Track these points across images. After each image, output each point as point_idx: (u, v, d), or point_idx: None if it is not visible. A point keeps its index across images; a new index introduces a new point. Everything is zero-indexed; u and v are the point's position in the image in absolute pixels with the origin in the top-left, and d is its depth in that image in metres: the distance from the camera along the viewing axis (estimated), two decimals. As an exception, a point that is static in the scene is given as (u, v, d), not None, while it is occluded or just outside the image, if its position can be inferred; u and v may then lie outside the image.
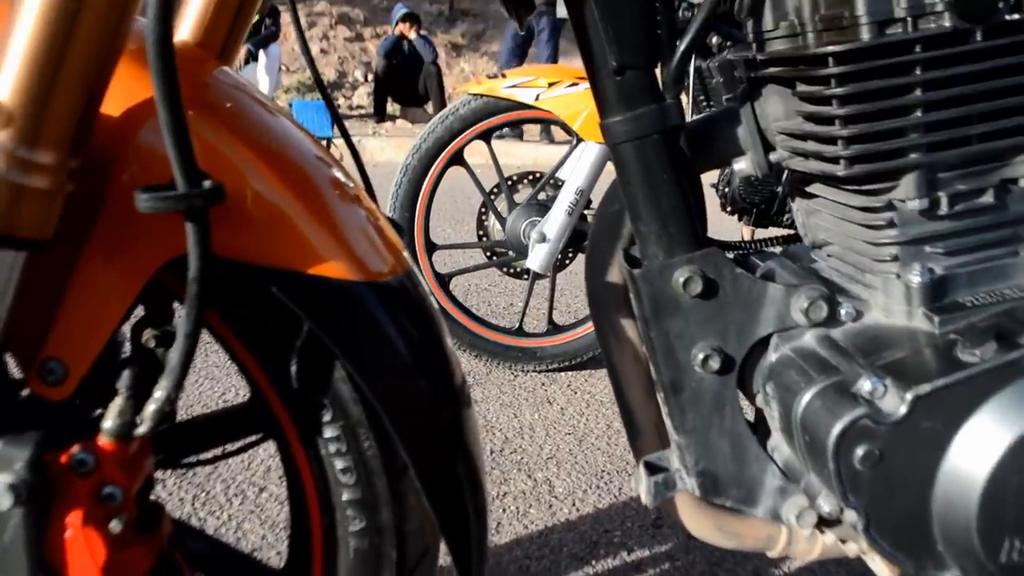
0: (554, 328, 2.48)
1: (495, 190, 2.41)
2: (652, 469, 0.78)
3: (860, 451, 0.60)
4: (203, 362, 2.38)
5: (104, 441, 0.65)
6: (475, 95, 2.28)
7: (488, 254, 2.50)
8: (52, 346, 0.64)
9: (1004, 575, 0.62)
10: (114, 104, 0.63)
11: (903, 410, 0.59)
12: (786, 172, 0.80)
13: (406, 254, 0.76)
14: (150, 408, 0.65)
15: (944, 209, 0.66)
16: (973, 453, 0.60)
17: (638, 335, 0.83)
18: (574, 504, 1.72)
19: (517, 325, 2.46)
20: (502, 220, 2.36)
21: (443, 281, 2.43)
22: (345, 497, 0.75)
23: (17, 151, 0.55)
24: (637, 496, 1.74)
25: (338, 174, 0.76)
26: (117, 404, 0.65)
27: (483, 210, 2.46)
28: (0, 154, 0.55)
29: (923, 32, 0.61)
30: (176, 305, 0.69)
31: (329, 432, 0.72)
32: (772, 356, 0.71)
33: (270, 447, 1.91)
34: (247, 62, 8.13)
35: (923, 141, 0.64)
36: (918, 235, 0.67)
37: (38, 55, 0.54)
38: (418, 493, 0.76)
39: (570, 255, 2.44)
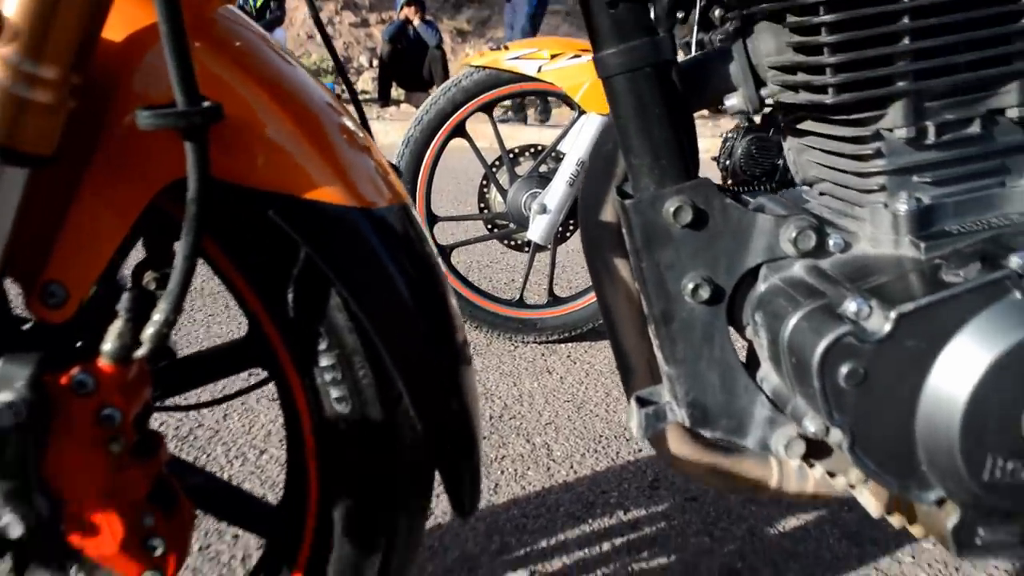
0: (554, 300, 2.49)
1: (497, 163, 2.42)
2: (643, 403, 0.79)
3: (844, 369, 0.61)
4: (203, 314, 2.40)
5: (103, 363, 0.66)
6: (477, 67, 2.29)
7: (489, 226, 2.51)
8: (53, 269, 0.66)
9: (987, 494, 0.63)
10: (118, 27, 0.64)
11: (887, 328, 0.60)
12: (784, 133, 0.81)
13: (404, 190, 0.77)
14: (149, 331, 0.66)
15: (931, 138, 0.67)
16: (956, 373, 0.61)
17: (631, 275, 0.84)
18: (572, 467, 1.74)
19: (518, 297, 2.48)
20: (503, 192, 2.37)
21: (444, 253, 2.44)
22: (341, 426, 0.76)
23: (22, 65, 0.56)
24: (635, 460, 1.76)
25: (341, 114, 0.77)
26: (116, 326, 0.66)
27: (484, 183, 2.47)
28: (5, 67, 0.56)
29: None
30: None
31: (325, 360, 0.74)
32: (761, 286, 0.72)
33: (271, 412, 1.92)
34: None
35: (910, 68, 0.65)
36: (906, 164, 0.68)
37: None
38: (412, 424, 0.77)
39: (571, 227, 2.45)
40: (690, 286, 0.71)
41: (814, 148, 0.76)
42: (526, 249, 2.49)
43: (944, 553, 1.42)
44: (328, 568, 0.81)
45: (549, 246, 2.37)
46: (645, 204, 0.70)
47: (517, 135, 6.95)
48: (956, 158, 0.68)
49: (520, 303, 2.47)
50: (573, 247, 3.56)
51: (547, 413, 2.01)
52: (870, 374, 0.61)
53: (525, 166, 2.41)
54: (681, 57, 0.76)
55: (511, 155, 2.42)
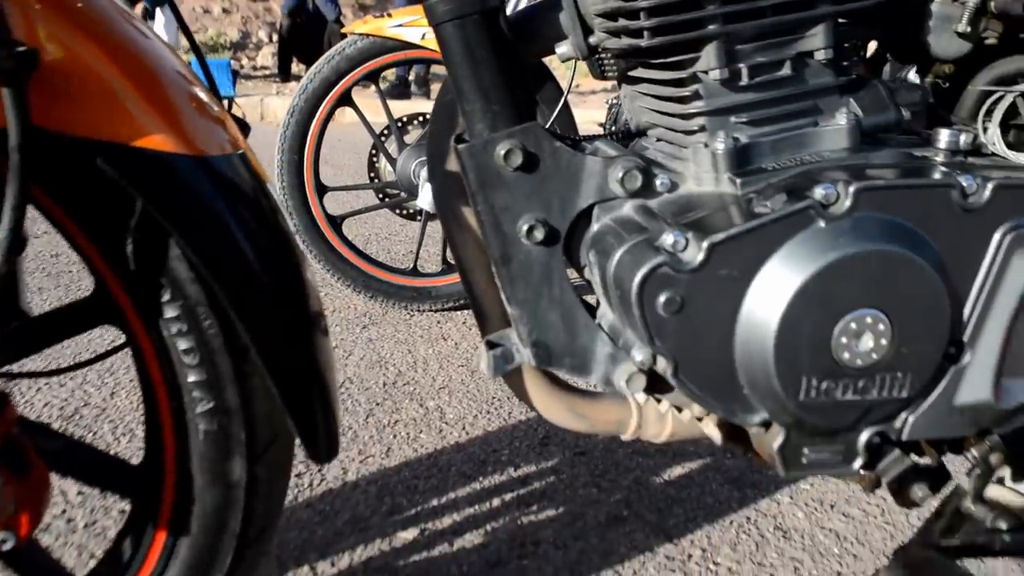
0: (448, 268, 2.50)
1: (385, 132, 2.41)
2: (492, 345, 0.81)
3: (662, 298, 0.64)
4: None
5: None
6: (361, 35, 2.26)
7: (380, 195, 2.50)
8: None
9: (806, 413, 0.67)
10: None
11: (700, 258, 0.63)
12: (618, 81, 0.83)
13: (244, 142, 0.77)
14: None
15: (745, 80, 0.70)
16: (767, 298, 0.64)
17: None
18: (464, 429, 1.76)
19: (411, 266, 2.48)
20: (392, 161, 2.36)
21: (335, 223, 2.42)
22: (191, 378, 0.76)
23: None
24: (526, 419, 1.79)
25: (181, 68, 0.76)
26: None
27: (374, 152, 2.45)
28: None
29: None
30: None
31: (169, 312, 0.73)
32: (594, 226, 0.74)
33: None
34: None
35: (719, 12, 0.68)
36: (722, 105, 0.71)
37: None
38: (263, 374, 0.77)
39: (464, 195, 2.45)
40: (525, 227, 0.72)
41: (643, 94, 0.79)
42: (418, 218, 2.49)
43: (819, 491, 1.49)
44: (191, 522, 0.81)
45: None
46: (477, 148, 0.71)
47: (403, 107, 6.91)
48: (770, 99, 0.71)
49: (414, 272, 2.47)
50: (474, 217, 3.57)
51: (441, 378, 2.03)
52: (687, 302, 0.64)
53: (414, 135, 2.40)
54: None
55: (399, 124, 2.41)
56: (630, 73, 0.79)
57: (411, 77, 7.28)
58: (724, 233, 0.63)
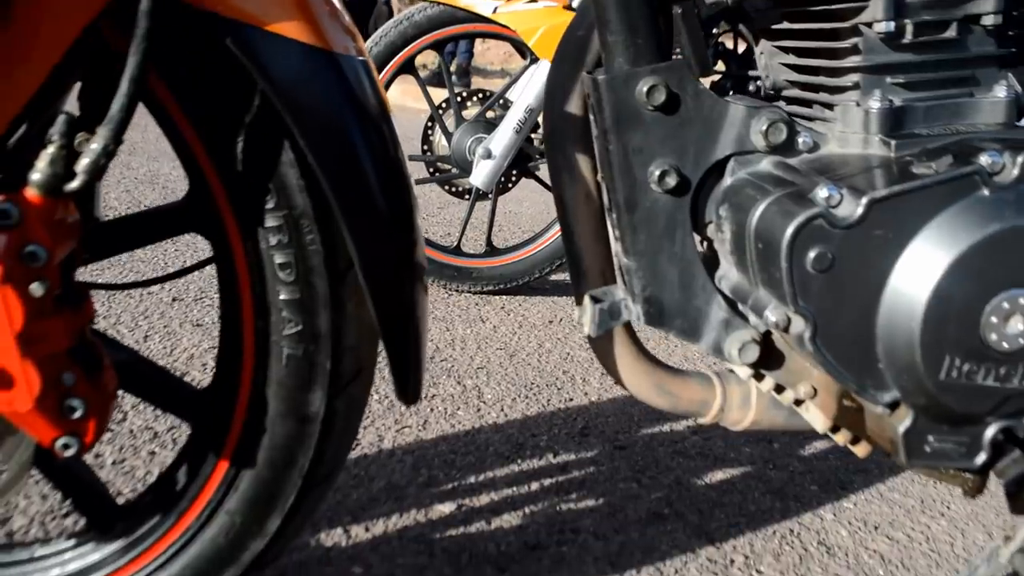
0: (492, 250, 2.47)
1: (443, 105, 2.38)
2: (596, 300, 0.77)
3: (813, 253, 0.60)
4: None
5: (31, 193, 0.61)
6: (433, 2, 2.23)
7: (431, 169, 2.47)
8: None
9: (941, 394, 0.63)
10: None
11: (858, 213, 0.59)
12: (756, 37, 0.79)
13: (368, 53, 0.73)
14: (84, 161, 0.61)
15: (908, 38, 0.66)
16: (921, 266, 0.60)
17: (591, 172, 0.82)
18: (502, 410, 1.72)
19: (455, 244, 2.44)
20: (448, 136, 2.33)
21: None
22: (282, 296, 0.72)
23: None
24: (565, 408, 1.75)
25: None
26: (48, 154, 0.61)
27: (429, 124, 2.41)
28: None
29: None
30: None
31: (271, 221, 0.70)
32: (728, 179, 0.70)
33: (195, 336, 1.86)
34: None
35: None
36: (881, 62, 0.67)
37: None
38: (358, 303, 0.73)
39: (514, 177, 2.42)
40: (657, 173, 0.69)
41: (786, 50, 0.75)
42: (466, 197, 2.45)
43: (863, 511, 1.44)
44: (258, 454, 0.77)
45: (491, 194, 2.34)
46: (618, 81, 0.68)
47: (442, 94, 6.91)
48: (930, 61, 0.68)
49: (457, 251, 2.44)
50: (512, 208, 3.56)
51: (479, 358, 1.99)
52: (838, 260, 0.60)
53: (472, 110, 2.37)
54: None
55: (459, 98, 2.37)
56: (774, 26, 0.75)
57: (452, 67, 7.27)
58: (886, 190, 0.59)
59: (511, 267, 2.41)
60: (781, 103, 0.79)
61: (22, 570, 0.83)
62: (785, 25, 0.73)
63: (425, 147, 2.42)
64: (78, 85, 0.71)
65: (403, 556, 1.19)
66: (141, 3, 0.57)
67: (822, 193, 0.60)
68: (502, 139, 2.19)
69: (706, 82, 0.91)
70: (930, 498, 1.52)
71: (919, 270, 0.60)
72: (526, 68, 2.25)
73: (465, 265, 2.40)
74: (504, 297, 2.44)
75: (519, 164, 2.30)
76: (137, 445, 1.38)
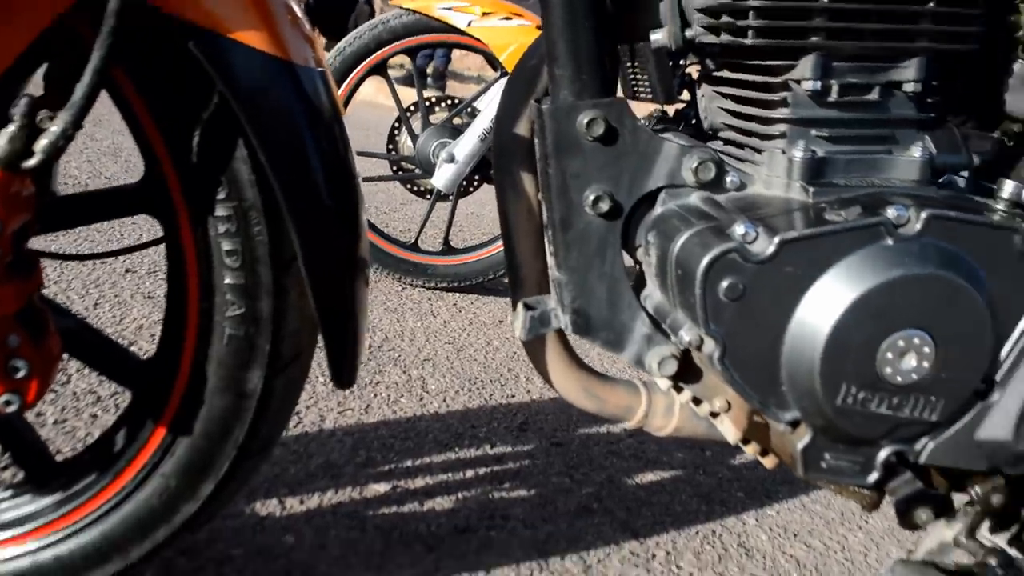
0: (448, 249, 2.52)
1: (412, 107, 2.42)
2: (529, 307, 0.82)
3: (726, 283, 0.65)
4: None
5: None
6: (408, 10, 2.28)
7: (395, 167, 2.51)
8: None
9: (838, 417, 0.69)
10: None
11: (770, 250, 0.65)
12: (698, 82, 0.85)
13: (326, 63, 0.77)
14: (43, 141, 0.64)
15: (834, 96, 0.72)
16: (825, 302, 0.66)
17: (534, 190, 0.87)
18: (444, 401, 1.77)
19: (413, 240, 2.48)
20: (414, 137, 2.38)
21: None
22: (227, 281, 0.76)
23: None
24: (507, 403, 1.80)
25: None
26: (8, 131, 0.64)
27: (396, 125, 2.47)
28: None
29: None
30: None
31: (221, 211, 0.73)
32: (658, 209, 0.75)
33: (145, 308, 1.87)
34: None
35: (824, 26, 0.69)
36: (807, 117, 0.72)
37: None
38: (300, 292, 0.77)
39: (475, 182, 2.47)
40: (591, 197, 0.74)
41: (724, 95, 0.80)
42: (428, 196, 2.50)
43: (784, 519, 1.51)
44: (195, 424, 0.81)
45: (451, 196, 2.38)
46: (562, 112, 0.72)
47: (413, 96, 6.91)
48: (853, 119, 0.73)
49: (415, 247, 2.48)
50: (474, 210, 3.60)
51: (426, 350, 2.03)
52: (748, 291, 0.66)
53: (439, 116, 2.43)
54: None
55: (427, 103, 2.42)
56: (715, 73, 0.80)
57: (429, 70, 7.27)
58: (797, 232, 0.65)
59: (466, 267, 2.47)
60: (718, 142, 0.84)
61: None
62: (724, 73, 0.78)
63: (390, 146, 2.48)
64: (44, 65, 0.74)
65: (335, 529, 1.24)
66: (109, 2, 0.60)
67: (739, 229, 0.66)
68: (466, 145, 2.24)
69: (671, 109, 0.96)
70: (850, 511, 1.60)
71: (823, 306, 0.66)
72: (496, 80, 2.30)
73: (421, 261, 2.46)
74: (457, 295, 2.49)
75: (481, 170, 2.35)
76: (79, 407, 1.40)
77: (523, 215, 0.87)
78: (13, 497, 0.87)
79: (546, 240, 0.82)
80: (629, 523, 1.40)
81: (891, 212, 0.66)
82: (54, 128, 0.63)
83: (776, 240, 0.64)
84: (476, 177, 2.42)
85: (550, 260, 0.80)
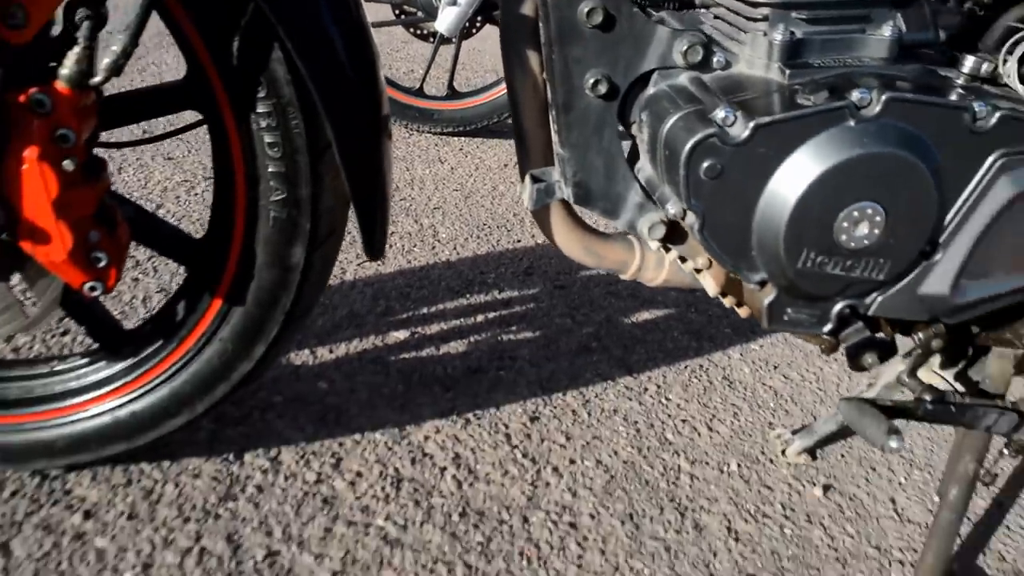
0: (453, 93, 2.55)
1: (412, -51, 2.40)
2: (535, 179, 0.91)
3: (706, 163, 0.74)
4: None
5: (61, 86, 0.72)
6: None
7: (397, 11, 2.51)
8: None
9: (799, 279, 0.79)
10: None
11: (745, 134, 0.73)
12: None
13: None
14: (105, 60, 0.72)
15: (812, -18, 0.78)
16: (791, 179, 0.75)
17: (539, 67, 0.94)
18: (455, 248, 1.88)
19: (418, 86, 2.52)
20: (416, -20, 2.37)
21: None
22: (270, 169, 0.85)
23: None
24: (513, 248, 1.91)
25: None
26: (75, 53, 0.72)
27: (397, -33, 2.44)
28: None
29: None
30: None
31: (261, 108, 0.82)
32: (651, 90, 0.83)
33: (167, 169, 1.96)
34: None
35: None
36: (787, 1, 0.79)
37: None
38: (334, 175, 0.87)
39: (478, 23, 2.47)
40: (591, 80, 0.81)
41: (715, -25, 0.86)
42: (431, 40, 2.51)
43: (767, 352, 1.66)
44: (248, 295, 0.92)
45: (454, 39, 2.40)
46: (563, 1, 0.79)
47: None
48: (829, 2, 0.80)
49: (420, 92, 2.52)
50: (476, 45, 3.58)
51: (436, 198, 2.13)
52: (726, 171, 0.75)
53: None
54: None
55: (428, -56, 2.39)
56: (706, -47, 0.86)
57: None
58: (769, 117, 0.73)
59: (471, 110, 2.51)
60: (709, 14, 0.90)
61: (45, 381, 0.99)
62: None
63: (393, -13, 2.46)
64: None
65: (362, 375, 1.38)
66: None
67: (720, 114, 0.74)
68: (469, -12, 2.24)
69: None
70: (825, 345, 1.74)
71: (791, 181, 0.75)
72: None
73: (427, 107, 2.50)
74: (463, 139, 2.55)
75: (484, 12, 2.35)
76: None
77: (529, 91, 0.95)
78: (90, 364, 1.00)
79: (550, 118, 0.90)
80: (624, 360, 1.55)
81: (855, 95, 0.74)
82: (114, 47, 0.71)
83: (751, 124, 0.73)
84: (479, 19, 2.43)
85: (554, 137, 0.88)
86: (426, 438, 1.25)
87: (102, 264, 0.80)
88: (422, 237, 1.90)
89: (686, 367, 1.56)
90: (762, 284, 0.83)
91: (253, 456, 1.15)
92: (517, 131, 0.98)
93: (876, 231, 0.77)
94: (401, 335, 1.51)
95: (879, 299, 0.83)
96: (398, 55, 3.29)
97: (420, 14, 2.42)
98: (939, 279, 0.82)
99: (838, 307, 0.84)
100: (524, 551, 1.06)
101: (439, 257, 1.83)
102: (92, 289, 0.81)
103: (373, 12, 3.08)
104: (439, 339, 1.52)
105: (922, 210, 0.77)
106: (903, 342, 0.90)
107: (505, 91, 2.52)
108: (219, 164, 0.89)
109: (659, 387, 1.48)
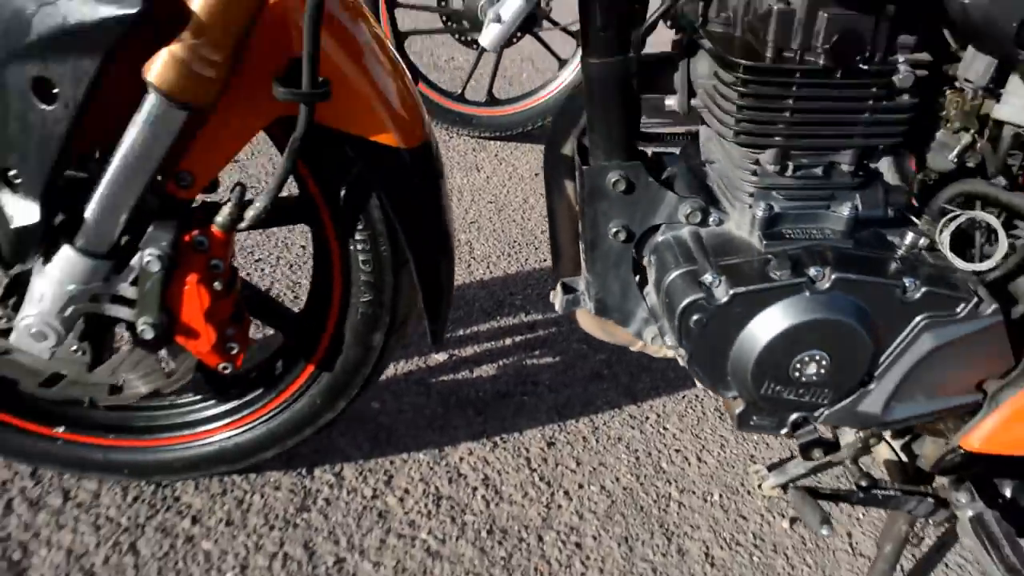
0: (492, 100, 2.76)
1: (461, -38, 2.58)
2: (567, 289, 1.16)
3: (694, 317, 0.98)
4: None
5: (216, 230, 0.97)
6: None
7: (444, 20, 2.70)
8: (185, 162, 0.94)
9: (761, 400, 1.04)
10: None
11: (725, 299, 0.97)
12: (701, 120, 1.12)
13: (431, 130, 1.07)
14: (250, 213, 0.96)
15: (789, 172, 1.00)
16: (760, 331, 0.99)
17: (574, 195, 1.17)
18: (488, 267, 2.12)
19: (460, 91, 2.73)
20: (464, -7, 2.56)
21: (400, 38, 2.64)
22: (362, 278, 1.10)
23: (200, 50, 0.82)
24: (539, 268, 2.15)
25: (407, 81, 1.04)
26: (228, 208, 0.96)
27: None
28: (188, 50, 0.81)
29: (804, 65, 0.92)
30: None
31: (359, 236, 1.06)
32: (659, 237, 1.06)
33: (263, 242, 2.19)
34: None
35: (785, 132, 0.97)
36: (769, 184, 1.01)
37: None
38: (409, 283, 1.12)
39: (517, 36, 2.66)
40: (613, 230, 1.05)
41: (716, 146, 1.09)
42: (475, 47, 2.71)
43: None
44: (336, 365, 1.18)
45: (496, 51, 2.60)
46: (595, 172, 1.02)
47: None
48: (802, 186, 1.02)
49: (461, 98, 2.73)
50: (516, 55, 3.76)
51: (472, 211, 2.36)
52: (709, 323, 0.99)
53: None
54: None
55: None
56: (712, 127, 1.08)
57: None
58: (744, 288, 0.97)
59: (508, 117, 2.73)
60: (713, 172, 1.12)
61: (167, 413, 1.26)
62: (715, 138, 1.06)
63: (442, 1, 2.64)
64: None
65: (408, 396, 1.64)
66: (296, 130, 0.89)
67: (708, 278, 0.98)
68: (512, 6, 2.42)
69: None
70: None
71: (757, 333, 0.99)
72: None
73: (467, 112, 2.71)
74: (498, 145, 2.77)
75: (525, 25, 2.54)
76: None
77: (564, 212, 1.18)
78: (203, 401, 1.26)
79: (580, 246, 1.13)
80: (631, 387, 1.80)
81: (812, 271, 0.97)
82: (258, 204, 0.95)
83: (730, 292, 0.97)
84: (518, 32, 2.63)
85: (583, 261, 1.12)
86: (461, 459, 1.51)
87: (234, 352, 1.05)
88: (459, 255, 2.14)
89: (684, 397, 1.81)
90: (735, 397, 1.08)
91: (321, 471, 1.42)
92: (553, 241, 1.22)
93: (823, 371, 1.01)
94: (440, 357, 1.76)
95: (825, 413, 1.08)
96: (445, 66, 3.48)
97: (466, 24, 2.61)
98: (873, 402, 1.06)
99: (792, 417, 1.09)
100: (538, 567, 1.33)
101: (474, 276, 2.07)
102: (224, 368, 1.06)
103: (425, 20, 3.27)
104: (472, 362, 1.77)
105: (859, 357, 1.01)
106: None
107: (538, 101, 2.74)
108: (319, 265, 1.13)
109: (659, 416, 1.74)
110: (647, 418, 1.72)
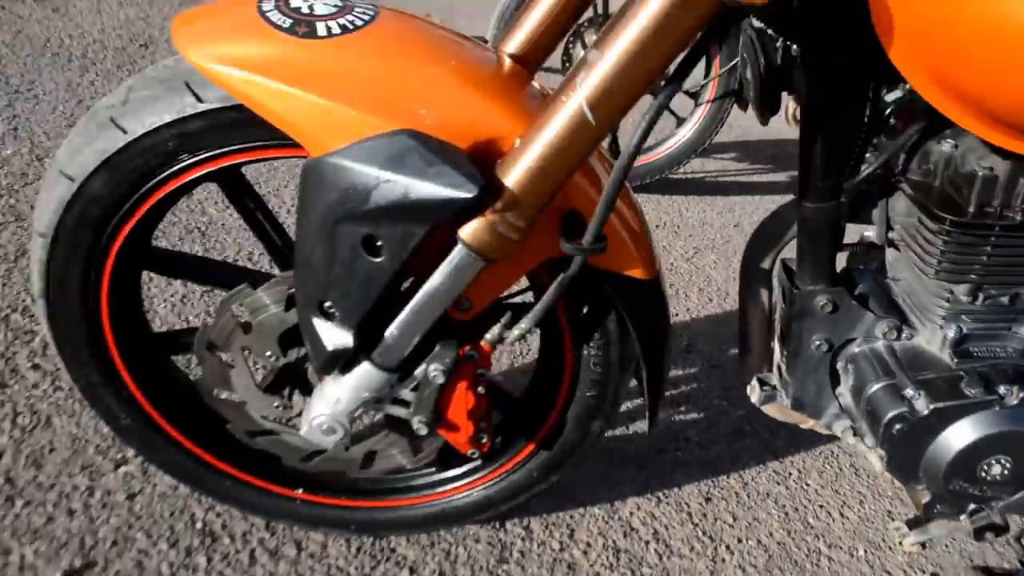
0: (615, 150, 2.92)
1: (586, 23, 2.73)
2: (762, 384, 1.32)
3: (896, 427, 1.13)
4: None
5: (484, 345, 1.15)
6: None
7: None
8: (466, 292, 1.12)
9: (949, 493, 1.19)
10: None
11: (925, 412, 1.12)
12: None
13: (660, 265, 1.23)
14: (514, 332, 1.14)
15: (979, 302, 1.15)
16: (954, 438, 1.14)
17: (768, 301, 1.33)
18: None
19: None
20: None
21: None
22: (591, 377, 1.27)
23: (508, 217, 0.99)
24: (675, 323, 2.30)
25: (639, 209, 1.20)
26: (497, 328, 1.14)
27: (571, 39, 2.79)
28: (502, 219, 0.98)
29: (1003, 220, 1.07)
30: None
31: (594, 344, 1.23)
32: (855, 349, 1.22)
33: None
34: None
35: (981, 272, 1.12)
36: (960, 310, 1.16)
37: (535, 172, 0.96)
38: (629, 378, 1.29)
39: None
40: (816, 343, 1.21)
41: (908, 269, 1.23)
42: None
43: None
44: (554, 446, 1.35)
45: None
46: (805, 296, 1.18)
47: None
48: (988, 312, 1.17)
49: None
50: (636, 111, 3.90)
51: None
52: (909, 432, 1.14)
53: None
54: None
55: (601, 19, 2.72)
56: (904, 253, 1.23)
57: None
58: (943, 403, 1.12)
59: (648, 164, 2.90)
60: (901, 290, 1.27)
61: (406, 475, 1.45)
62: (903, 261, 1.21)
63: (565, 58, 2.81)
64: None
65: (575, 451, 1.81)
66: (567, 271, 1.06)
67: (909, 392, 1.13)
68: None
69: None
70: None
71: (951, 441, 1.14)
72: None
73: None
74: (641, 197, 2.93)
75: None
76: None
77: (758, 316, 1.34)
78: (427, 468, 1.45)
79: (777, 354, 1.29)
80: (771, 444, 1.95)
81: (1002, 389, 1.12)
82: (522, 325, 1.13)
83: (931, 407, 1.12)
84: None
85: (782, 364, 1.28)
86: (631, 513, 1.68)
87: (483, 440, 1.23)
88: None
89: (820, 453, 1.96)
90: (923, 491, 1.23)
91: (512, 524, 1.60)
92: (743, 339, 1.38)
93: (1006, 471, 1.16)
94: (597, 412, 1.93)
95: (1001, 504, 1.22)
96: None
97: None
98: (1040, 497, 1.21)
99: (972, 506, 1.23)
100: (714, 620, 1.50)
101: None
102: (473, 454, 1.24)
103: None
104: (628, 418, 1.94)
105: (1037, 463, 1.16)
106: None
107: (655, 157, 2.90)
108: (547, 360, 1.31)
109: (800, 472, 1.89)
110: (789, 474, 1.87)
